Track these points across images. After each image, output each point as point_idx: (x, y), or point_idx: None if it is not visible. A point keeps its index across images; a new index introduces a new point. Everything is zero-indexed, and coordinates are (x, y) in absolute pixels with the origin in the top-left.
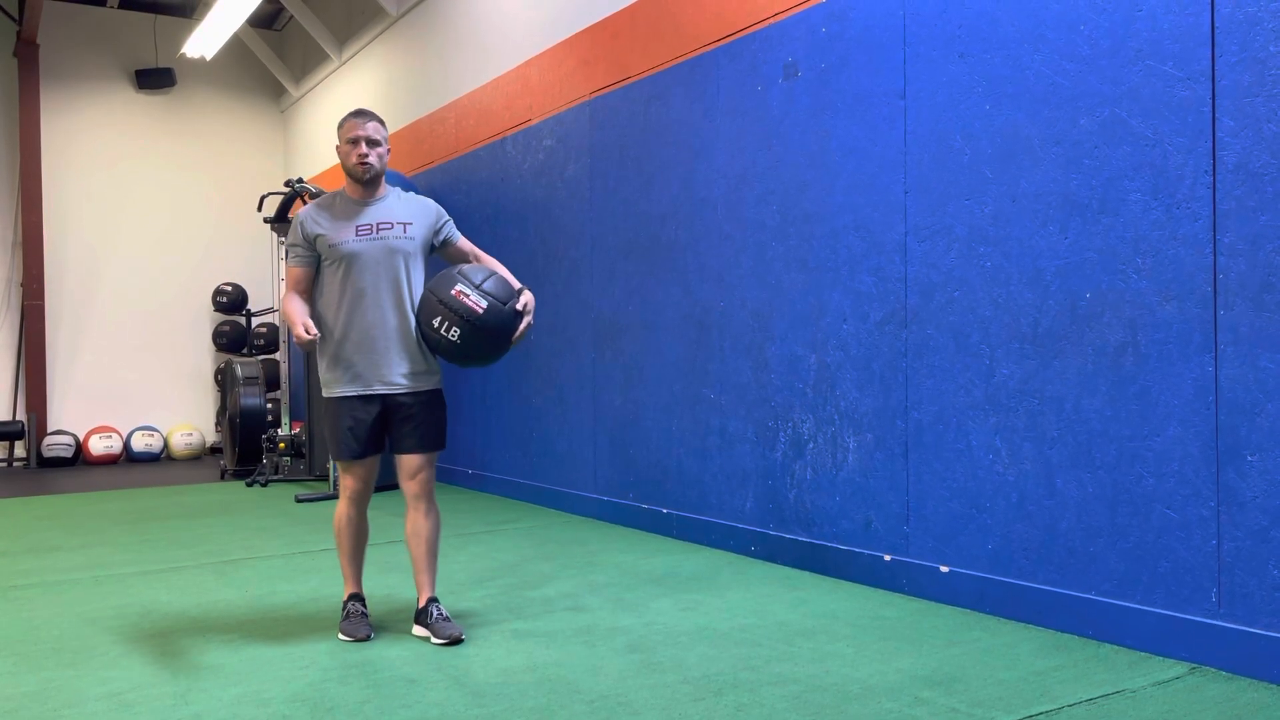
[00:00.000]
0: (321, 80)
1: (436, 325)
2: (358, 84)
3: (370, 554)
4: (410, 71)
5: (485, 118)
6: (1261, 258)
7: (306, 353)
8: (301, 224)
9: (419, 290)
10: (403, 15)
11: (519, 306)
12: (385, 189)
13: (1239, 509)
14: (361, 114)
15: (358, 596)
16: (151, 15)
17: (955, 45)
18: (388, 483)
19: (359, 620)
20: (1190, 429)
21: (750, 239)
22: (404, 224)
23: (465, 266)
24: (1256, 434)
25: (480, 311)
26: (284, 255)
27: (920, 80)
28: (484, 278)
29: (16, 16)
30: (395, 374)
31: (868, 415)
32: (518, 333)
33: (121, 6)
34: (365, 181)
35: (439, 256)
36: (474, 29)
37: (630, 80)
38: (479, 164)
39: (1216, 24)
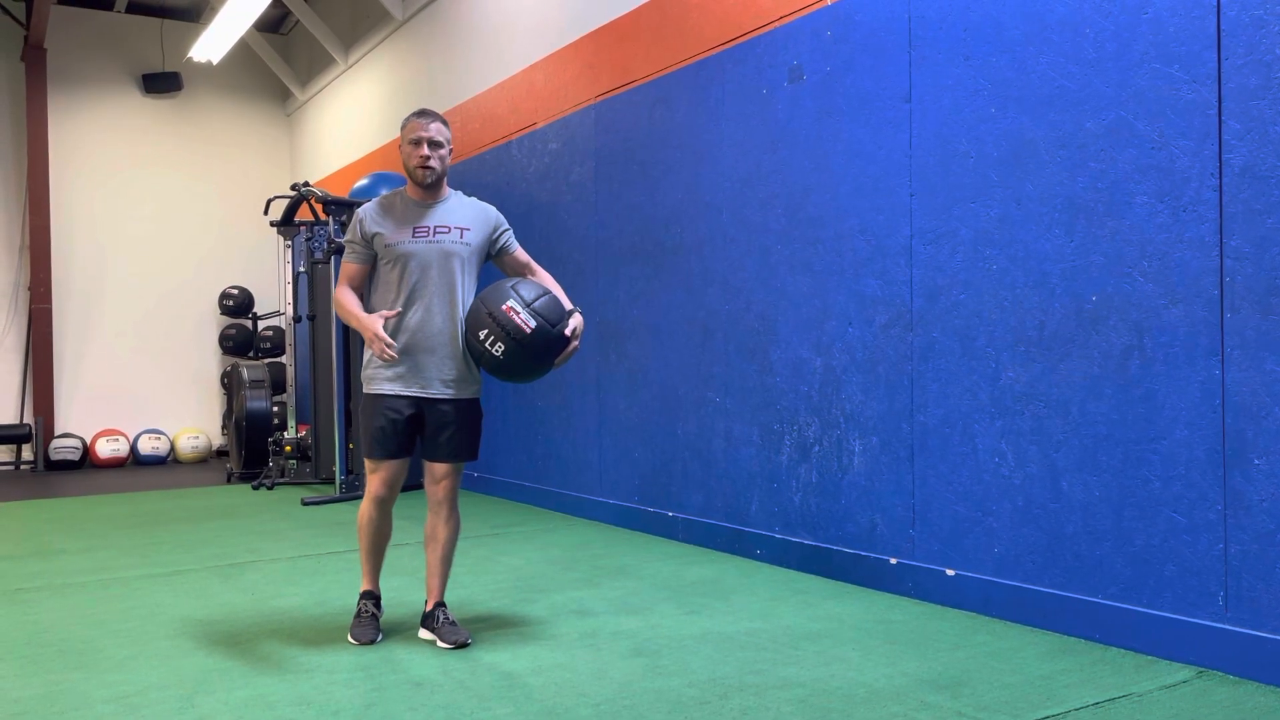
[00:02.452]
0: (327, 84)
1: (482, 338)
2: (363, 88)
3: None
4: (416, 75)
5: (491, 121)
6: (1268, 261)
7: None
8: (361, 221)
9: (471, 297)
10: (408, 19)
11: (567, 331)
12: (447, 191)
13: (1246, 512)
14: (425, 114)
15: (371, 595)
16: (158, 19)
17: (960, 48)
18: (411, 483)
19: (368, 623)
20: (1197, 432)
21: (755, 242)
22: (461, 229)
23: (520, 282)
24: (1263, 437)
25: (528, 331)
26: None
27: (925, 83)
28: (536, 296)
29: (24, 21)
30: (437, 379)
31: (873, 418)
32: (561, 356)
33: (128, 11)
34: (426, 184)
35: (494, 265)
36: (479, 33)
37: (635, 84)
38: (484, 168)
39: (1223, 26)
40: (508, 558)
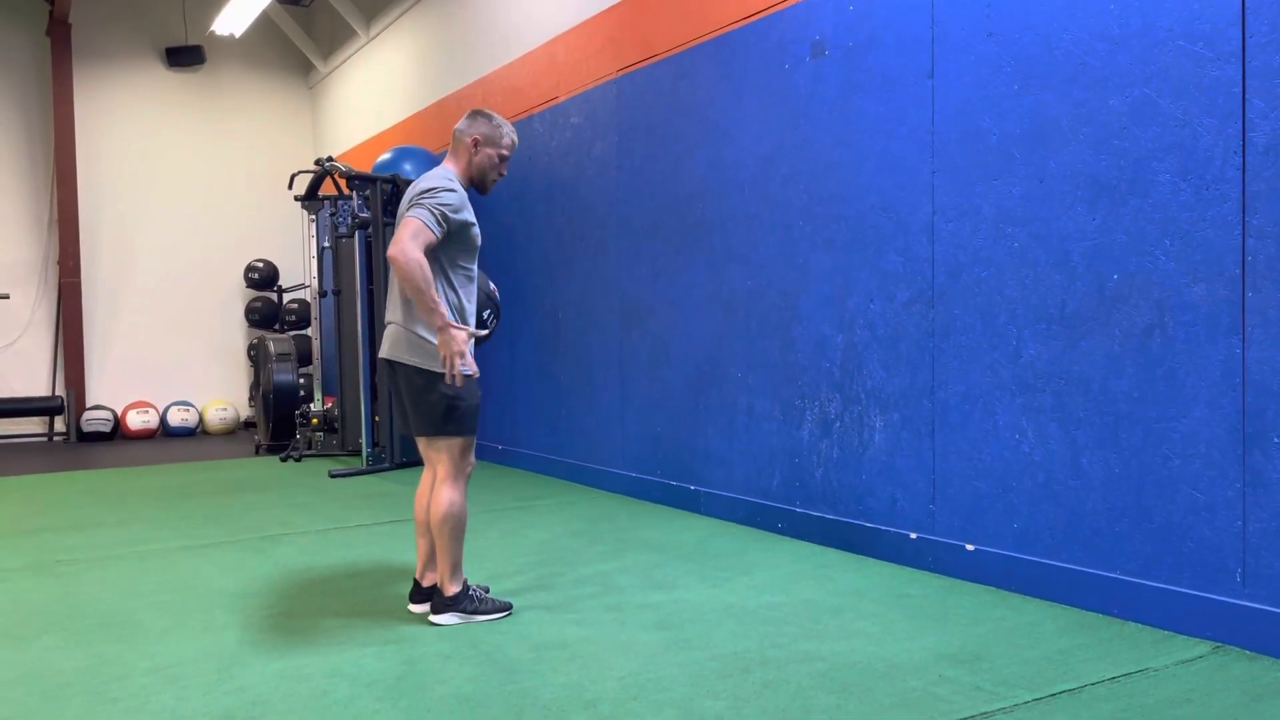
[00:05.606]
0: (349, 57)
1: (485, 317)
2: (385, 61)
3: (407, 529)
4: (437, 48)
5: (512, 95)
6: None
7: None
8: (464, 199)
9: None
10: None
11: None
12: None
13: (1264, 490)
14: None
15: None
16: None
17: (984, 24)
18: (415, 459)
19: (493, 598)
20: (1217, 411)
21: (777, 219)
22: None
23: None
24: None
25: (499, 301)
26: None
27: (948, 60)
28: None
29: None
30: None
31: (894, 395)
32: None
33: None
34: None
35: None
36: (501, 5)
37: (657, 58)
38: None
39: (1247, 4)
40: (533, 531)
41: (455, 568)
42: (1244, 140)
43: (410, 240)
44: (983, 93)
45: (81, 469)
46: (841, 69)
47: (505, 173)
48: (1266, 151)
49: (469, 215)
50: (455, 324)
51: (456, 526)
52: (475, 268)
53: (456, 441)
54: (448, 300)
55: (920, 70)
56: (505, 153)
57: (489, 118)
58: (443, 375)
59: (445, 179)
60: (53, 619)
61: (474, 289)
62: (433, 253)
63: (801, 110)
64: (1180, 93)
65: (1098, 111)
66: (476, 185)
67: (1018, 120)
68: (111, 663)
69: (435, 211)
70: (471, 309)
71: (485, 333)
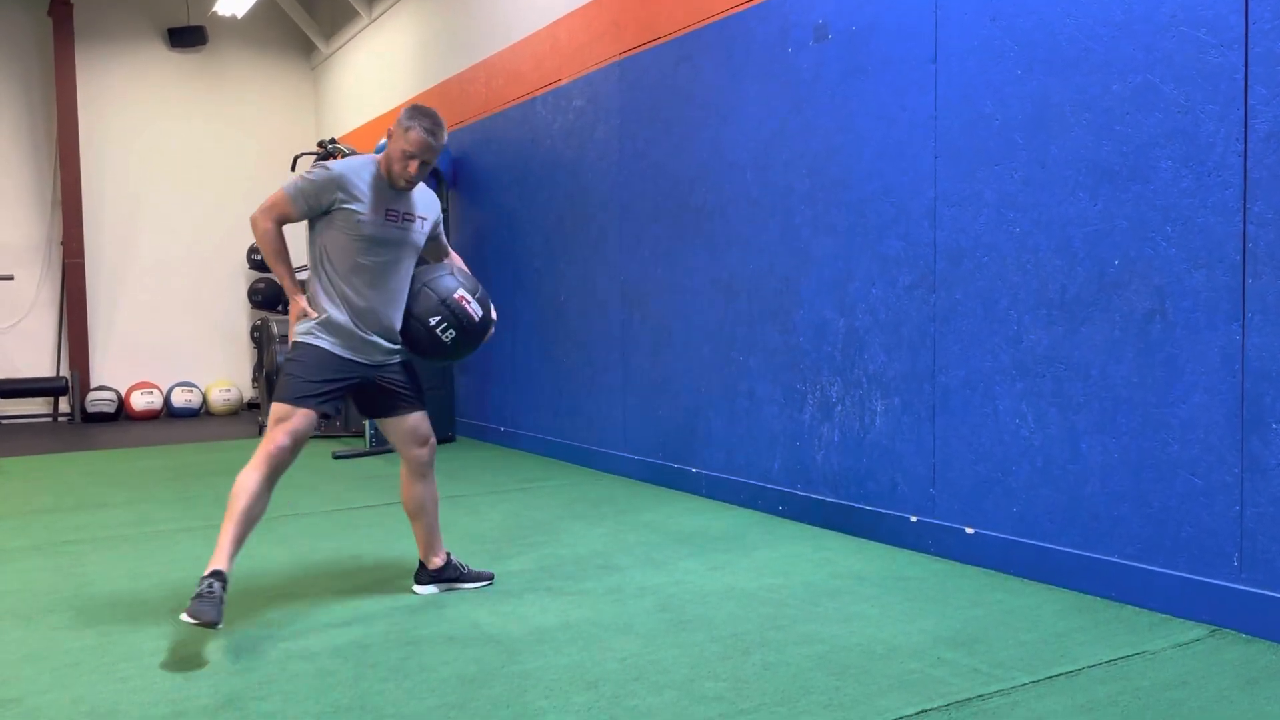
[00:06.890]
0: (351, 38)
1: (433, 325)
2: (387, 42)
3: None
4: (440, 29)
5: (515, 78)
6: None
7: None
8: (334, 181)
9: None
10: None
11: (493, 315)
12: None
13: (1262, 476)
14: (434, 131)
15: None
16: None
17: (987, 9)
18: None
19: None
20: (1216, 397)
21: (779, 203)
22: (422, 218)
23: (456, 269)
24: None
25: (476, 320)
26: (292, 181)
27: (951, 44)
28: (476, 285)
29: None
30: (377, 354)
31: (895, 379)
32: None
33: None
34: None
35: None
36: None
37: (660, 41)
38: (509, 124)
39: None
40: (535, 512)
41: (220, 549)
42: (1246, 127)
43: (264, 209)
44: (985, 78)
45: (86, 450)
46: (844, 53)
47: (412, 172)
48: (1268, 138)
49: (341, 199)
50: (298, 294)
51: (233, 506)
52: (393, 264)
53: (274, 407)
54: (327, 292)
55: (923, 55)
56: (408, 149)
57: (409, 113)
58: (296, 342)
59: (338, 162)
60: (60, 598)
61: (387, 289)
62: (317, 236)
63: (804, 95)
64: (1182, 79)
65: (1100, 97)
66: (387, 174)
67: (1020, 105)
68: (119, 642)
69: (295, 185)
70: (386, 312)
71: (317, 315)
